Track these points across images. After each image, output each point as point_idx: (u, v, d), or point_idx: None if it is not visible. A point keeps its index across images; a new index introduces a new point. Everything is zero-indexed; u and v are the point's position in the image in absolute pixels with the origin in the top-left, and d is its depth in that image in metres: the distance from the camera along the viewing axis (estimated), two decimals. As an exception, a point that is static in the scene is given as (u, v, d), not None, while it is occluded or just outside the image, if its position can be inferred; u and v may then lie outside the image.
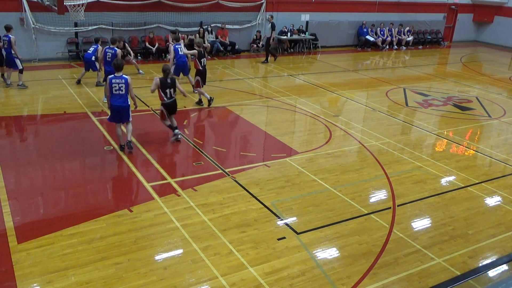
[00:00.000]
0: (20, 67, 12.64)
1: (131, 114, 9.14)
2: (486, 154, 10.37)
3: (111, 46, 12.00)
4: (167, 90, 9.42)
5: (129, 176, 8.40)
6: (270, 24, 19.37)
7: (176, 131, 9.81)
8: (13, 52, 12.39)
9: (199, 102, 12.40)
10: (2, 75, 13.04)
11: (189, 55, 12.83)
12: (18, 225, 6.57)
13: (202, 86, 12.15)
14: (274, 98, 13.46)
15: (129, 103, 9.01)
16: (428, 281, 5.90)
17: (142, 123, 11.08)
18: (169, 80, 9.42)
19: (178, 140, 9.85)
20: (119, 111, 8.92)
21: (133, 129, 10.40)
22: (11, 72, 12.86)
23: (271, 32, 19.28)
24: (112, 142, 9.62)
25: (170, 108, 9.61)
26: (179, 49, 13.22)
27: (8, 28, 12.39)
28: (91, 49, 13.52)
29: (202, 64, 11.97)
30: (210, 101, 12.16)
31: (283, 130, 11.02)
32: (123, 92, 8.78)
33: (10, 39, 12.26)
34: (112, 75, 8.82)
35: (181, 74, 13.73)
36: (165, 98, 9.47)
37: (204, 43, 18.31)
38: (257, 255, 6.20)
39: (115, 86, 8.74)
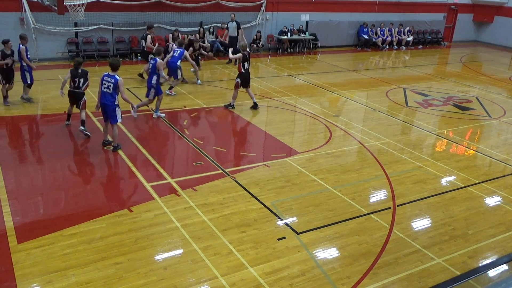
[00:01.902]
0: (28, 82, 11.66)
1: (118, 116, 9.02)
2: (486, 154, 10.37)
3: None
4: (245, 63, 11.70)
5: (129, 176, 8.40)
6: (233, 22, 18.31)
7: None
8: (24, 64, 11.43)
9: (254, 106, 12.34)
10: (5, 97, 11.60)
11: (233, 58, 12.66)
12: (18, 225, 6.57)
13: (240, 87, 12.07)
14: (274, 98, 13.46)
15: (116, 102, 8.94)
16: (428, 281, 5.90)
17: (142, 123, 11.09)
18: (247, 54, 11.60)
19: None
20: (105, 109, 9.00)
21: (133, 129, 10.41)
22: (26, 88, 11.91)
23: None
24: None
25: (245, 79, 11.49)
26: (176, 52, 13.10)
27: (20, 38, 11.45)
28: (177, 52, 13.06)
29: (245, 68, 11.89)
30: (230, 106, 12.25)
31: (283, 130, 11.02)
32: (110, 91, 8.84)
33: (19, 49, 11.32)
34: (106, 73, 8.95)
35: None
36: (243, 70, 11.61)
37: (204, 43, 18.33)
38: (257, 255, 6.20)
39: (105, 84, 8.88)
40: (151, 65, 10.99)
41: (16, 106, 11.56)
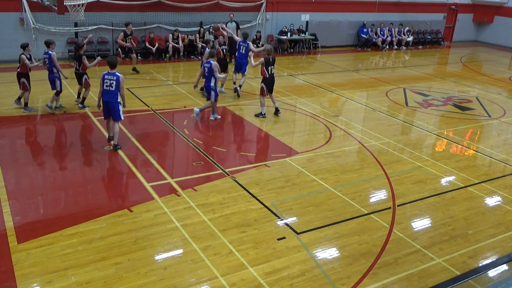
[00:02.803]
0: (58, 89, 11.18)
1: (122, 114, 9.21)
2: (486, 154, 10.37)
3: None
4: (270, 67, 11.40)
5: (129, 176, 8.40)
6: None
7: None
8: (54, 70, 11.02)
9: (276, 111, 12.01)
10: (24, 104, 11.32)
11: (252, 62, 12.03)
12: (18, 225, 6.57)
13: (267, 95, 11.70)
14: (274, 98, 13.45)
15: (119, 100, 9.07)
16: (428, 281, 5.90)
17: (142, 123, 11.09)
18: (271, 58, 11.37)
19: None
20: (108, 107, 9.07)
21: (133, 129, 10.42)
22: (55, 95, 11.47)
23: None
24: (112, 142, 9.60)
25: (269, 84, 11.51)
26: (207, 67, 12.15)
27: (48, 44, 11.00)
28: (243, 48, 13.20)
29: (270, 72, 11.49)
30: (261, 115, 11.77)
31: (283, 130, 11.02)
32: (113, 89, 8.92)
33: (50, 56, 10.90)
34: (106, 72, 9.01)
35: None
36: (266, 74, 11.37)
37: (204, 43, 18.32)
38: (257, 255, 6.20)
39: (107, 82, 8.93)
40: (206, 68, 10.83)
41: (17, 106, 11.54)
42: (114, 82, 8.88)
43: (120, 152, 9.18)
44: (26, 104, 11.32)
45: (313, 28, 22.05)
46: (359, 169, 9.12)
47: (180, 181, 8.17)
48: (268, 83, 11.58)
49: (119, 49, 15.33)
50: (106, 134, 9.87)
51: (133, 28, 17.64)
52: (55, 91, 11.25)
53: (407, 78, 17.56)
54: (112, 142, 9.34)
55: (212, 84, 10.94)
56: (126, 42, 15.19)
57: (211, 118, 11.40)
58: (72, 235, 6.38)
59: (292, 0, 21.16)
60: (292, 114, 12.33)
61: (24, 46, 11.02)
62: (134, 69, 15.50)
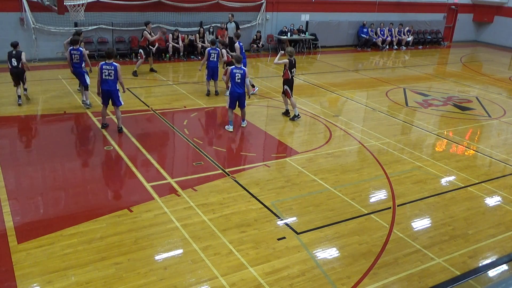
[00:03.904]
0: (87, 83, 11.63)
1: (121, 99, 10.04)
2: (486, 154, 10.37)
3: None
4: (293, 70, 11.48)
5: (129, 176, 8.40)
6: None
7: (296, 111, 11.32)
8: (83, 66, 11.53)
9: (286, 113, 12.04)
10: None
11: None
12: (18, 225, 6.57)
13: (291, 94, 11.72)
14: (274, 98, 13.46)
15: (117, 87, 9.83)
16: (428, 281, 5.90)
17: (142, 123, 11.09)
18: (293, 60, 11.46)
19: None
20: (108, 95, 9.78)
21: (133, 129, 10.43)
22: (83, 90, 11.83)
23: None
24: (112, 142, 9.62)
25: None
26: (212, 53, 12.79)
27: (76, 42, 11.47)
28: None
29: (292, 74, 11.59)
30: (296, 117, 11.72)
31: (283, 130, 11.02)
32: (112, 77, 9.64)
33: (81, 52, 11.41)
34: (104, 62, 9.62)
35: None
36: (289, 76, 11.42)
37: (204, 43, 18.34)
38: (257, 255, 6.20)
39: (105, 72, 9.60)
40: (239, 75, 10.52)
41: (17, 106, 11.54)
42: (113, 72, 9.60)
43: (120, 152, 9.19)
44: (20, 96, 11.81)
45: (313, 28, 22.05)
46: (359, 169, 9.12)
47: (180, 181, 8.17)
48: (291, 85, 11.67)
49: (141, 50, 15.19)
50: (107, 134, 9.88)
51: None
52: (82, 87, 11.82)
53: (407, 78, 17.56)
54: (106, 148, 9.43)
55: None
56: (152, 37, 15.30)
57: (243, 125, 11.04)
58: (72, 235, 6.38)
59: (292, 0, 21.16)
60: (292, 114, 12.31)
61: (15, 45, 11.37)
62: (151, 69, 15.64)
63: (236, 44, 13.36)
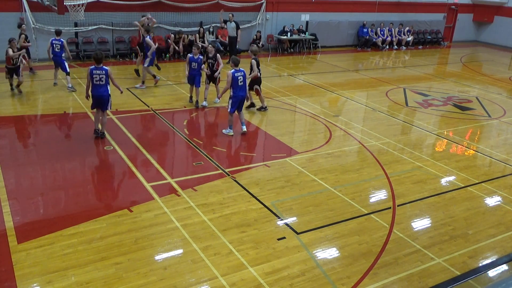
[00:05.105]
0: (68, 70, 13.13)
1: (110, 104, 9.65)
2: (486, 154, 10.37)
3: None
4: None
5: (129, 176, 8.40)
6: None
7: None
8: (64, 55, 13.14)
9: (260, 108, 12.33)
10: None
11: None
12: (18, 225, 6.57)
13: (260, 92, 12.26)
14: (274, 98, 13.46)
15: (109, 92, 9.48)
16: (428, 281, 5.90)
17: (142, 123, 11.09)
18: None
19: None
20: (99, 100, 9.48)
21: (133, 129, 10.43)
22: (57, 71, 13.41)
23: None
24: (112, 142, 9.62)
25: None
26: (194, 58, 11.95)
27: (59, 33, 13.20)
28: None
29: (260, 72, 12.06)
30: (263, 109, 12.34)
31: (283, 130, 11.02)
32: (103, 82, 9.33)
33: (63, 43, 13.07)
34: (93, 67, 9.31)
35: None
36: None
37: (204, 43, 18.33)
38: (257, 255, 6.20)
39: (96, 77, 9.28)
40: (241, 78, 10.42)
41: (17, 106, 11.54)
42: (104, 76, 9.30)
43: (120, 152, 9.18)
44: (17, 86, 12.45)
45: (313, 28, 22.05)
46: (359, 169, 9.12)
47: (180, 181, 8.17)
48: (260, 83, 12.23)
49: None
50: (107, 134, 9.87)
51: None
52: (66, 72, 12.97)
53: (407, 78, 17.56)
54: (106, 148, 9.42)
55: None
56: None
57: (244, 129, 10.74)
58: (72, 235, 6.38)
59: (292, 0, 21.17)
60: (292, 114, 12.33)
61: (10, 40, 12.08)
62: (156, 65, 15.52)
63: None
